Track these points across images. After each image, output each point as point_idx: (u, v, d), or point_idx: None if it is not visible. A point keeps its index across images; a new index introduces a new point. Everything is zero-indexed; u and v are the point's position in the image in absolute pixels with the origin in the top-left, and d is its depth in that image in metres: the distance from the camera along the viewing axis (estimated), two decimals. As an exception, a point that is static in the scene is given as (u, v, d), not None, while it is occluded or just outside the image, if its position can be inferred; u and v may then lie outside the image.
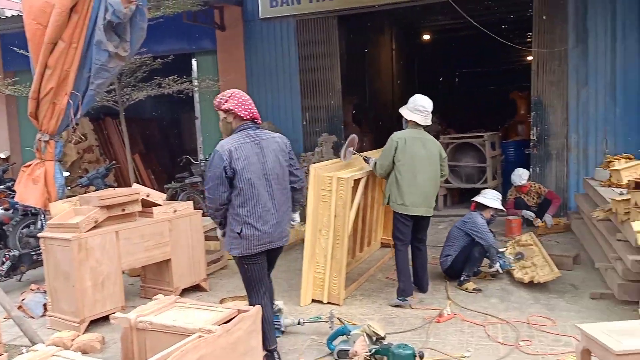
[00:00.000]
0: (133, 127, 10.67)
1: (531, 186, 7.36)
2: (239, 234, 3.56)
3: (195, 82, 8.90)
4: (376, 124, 12.12)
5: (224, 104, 3.64)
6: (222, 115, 3.69)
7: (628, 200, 4.63)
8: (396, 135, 4.90)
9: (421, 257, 5.09)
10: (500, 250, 5.38)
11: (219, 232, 3.82)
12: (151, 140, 11.81)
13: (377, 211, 6.55)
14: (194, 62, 9.74)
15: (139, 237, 4.91)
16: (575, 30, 7.57)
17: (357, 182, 5.11)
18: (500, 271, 5.24)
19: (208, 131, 9.73)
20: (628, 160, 6.16)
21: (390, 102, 13.63)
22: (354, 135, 5.61)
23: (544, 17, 7.75)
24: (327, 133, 8.78)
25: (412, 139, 4.85)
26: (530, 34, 8.15)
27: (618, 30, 7.34)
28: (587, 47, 7.52)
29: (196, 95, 9.64)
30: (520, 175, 7.22)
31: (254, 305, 3.33)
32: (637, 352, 2.54)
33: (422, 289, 5.09)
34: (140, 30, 5.00)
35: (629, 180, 4.58)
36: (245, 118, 3.64)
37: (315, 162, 8.03)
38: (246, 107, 3.64)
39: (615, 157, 6.75)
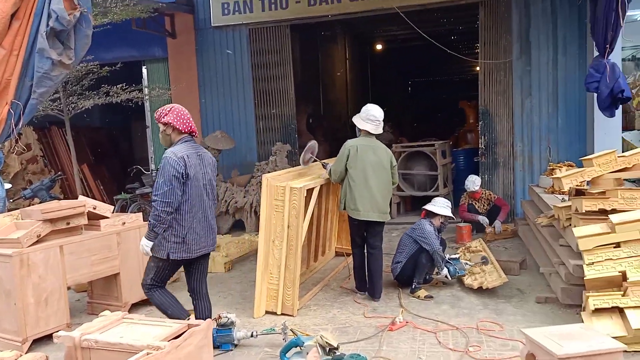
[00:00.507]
0: (81, 137, 10.34)
1: (482, 193, 7.57)
2: (183, 238, 3.80)
3: (146, 91, 8.72)
4: (331, 133, 12.20)
5: (163, 117, 3.87)
6: (162, 127, 3.93)
7: (569, 206, 4.82)
8: (349, 143, 5.11)
9: (374, 263, 5.19)
10: (454, 256, 5.49)
11: (145, 243, 3.81)
12: (100, 149, 11.46)
13: (331, 220, 6.58)
14: (144, 70, 9.55)
15: (85, 251, 4.74)
16: (519, 42, 7.87)
17: (310, 191, 5.12)
18: (450, 278, 5.34)
19: (159, 140, 9.53)
20: (569, 168, 6.42)
21: (345, 111, 13.77)
22: (314, 142, 5.83)
23: (490, 30, 8.02)
24: (281, 142, 8.77)
25: (364, 147, 5.06)
26: (478, 45, 8.42)
27: (559, 42, 7.68)
28: (531, 58, 7.82)
29: (147, 104, 9.45)
30: (474, 182, 7.43)
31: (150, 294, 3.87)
32: (579, 356, 2.63)
33: (374, 295, 5.17)
34: (85, 38, 4.85)
35: (570, 188, 4.76)
36: (183, 131, 3.90)
37: (269, 172, 8.03)
38: (185, 121, 3.88)
39: (558, 164, 7.04)
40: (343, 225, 6.77)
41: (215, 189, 4.08)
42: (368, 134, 5.12)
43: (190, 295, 4.18)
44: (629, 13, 10.13)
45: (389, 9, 8.27)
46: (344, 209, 5.12)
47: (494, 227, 7.18)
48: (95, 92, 7.64)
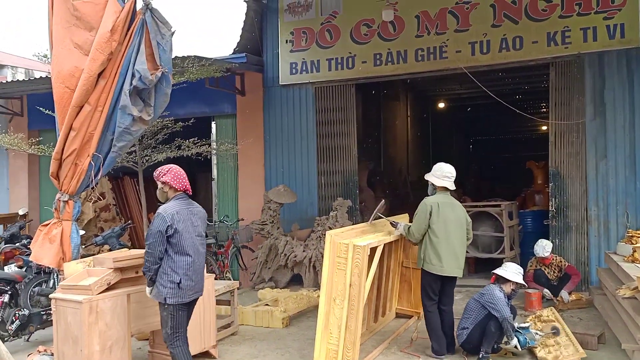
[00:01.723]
0: (150, 187, 10.77)
1: (553, 259, 7.19)
2: (178, 284, 4.14)
3: (214, 145, 9.04)
4: (390, 189, 12.12)
5: (162, 177, 4.31)
6: (160, 185, 4.35)
7: (656, 278, 4.47)
8: (429, 200, 5.25)
9: (449, 319, 5.31)
10: (524, 325, 5.18)
11: (148, 290, 4.29)
12: (167, 199, 11.85)
13: (392, 280, 6.41)
14: (213, 125, 9.95)
15: (150, 300, 4.81)
16: (592, 103, 7.64)
17: (373, 250, 5.03)
18: (520, 349, 5.01)
19: (224, 193, 9.80)
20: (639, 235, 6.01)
21: (405, 167, 13.70)
22: (383, 201, 6.01)
23: (561, 90, 7.85)
24: (342, 197, 8.77)
25: (444, 204, 5.23)
26: (544, 104, 8.24)
27: (636, 103, 7.39)
28: (605, 120, 7.55)
29: (214, 157, 9.78)
30: (544, 247, 7.08)
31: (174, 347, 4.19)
32: None
33: (450, 348, 5.25)
34: (164, 96, 5.11)
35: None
36: (178, 189, 4.31)
37: (329, 227, 8.01)
38: (180, 180, 4.31)
39: (638, 231, 6.61)
40: (404, 285, 6.59)
41: (204, 240, 4.45)
42: (444, 190, 5.29)
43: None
44: None
45: (455, 69, 8.32)
46: (422, 265, 5.21)
47: (561, 296, 6.76)
48: (168, 146, 7.99)
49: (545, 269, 7.16)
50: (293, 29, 9.32)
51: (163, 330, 4.28)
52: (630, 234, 6.67)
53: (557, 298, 6.79)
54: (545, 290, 6.95)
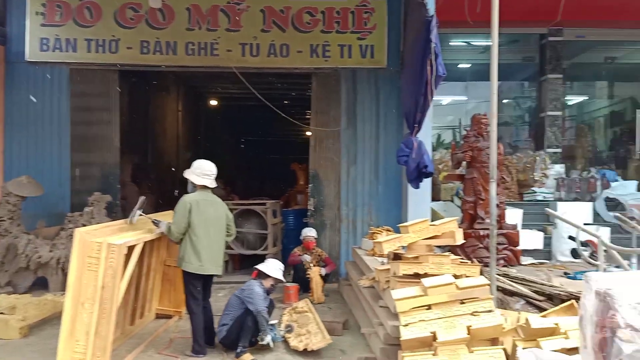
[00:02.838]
0: None
1: (316, 246, 7.78)
2: None
3: None
4: (158, 185, 11.62)
5: None
6: None
7: (388, 269, 5.12)
8: (188, 198, 5.14)
9: (207, 313, 5.31)
10: (272, 322, 5.40)
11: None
12: None
13: (153, 280, 6.10)
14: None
15: None
16: (346, 114, 8.50)
17: (131, 248, 4.70)
18: (272, 345, 5.23)
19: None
20: (389, 233, 6.89)
21: (175, 163, 13.31)
22: (144, 197, 5.66)
23: (321, 99, 8.54)
24: (101, 192, 8.04)
25: (204, 202, 5.15)
26: (309, 111, 8.88)
27: (381, 118, 8.47)
28: (356, 129, 8.48)
29: None
30: (311, 229, 7.85)
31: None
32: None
33: (210, 341, 5.28)
34: None
35: (389, 252, 5.07)
36: None
37: (84, 224, 7.24)
38: None
39: (378, 229, 7.53)
40: (166, 284, 6.34)
41: None
42: (205, 188, 5.22)
43: None
44: (438, 98, 11.61)
45: (226, 68, 8.36)
46: (182, 265, 5.07)
47: (321, 271, 7.40)
48: None
49: (307, 254, 7.68)
50: (45, 1, 8.22)
51: None
52: (372, 231, 7.55)
53: (314, 270, 7.35)
54: (306, 255, 7.58)
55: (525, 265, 7.61)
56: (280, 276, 5.47)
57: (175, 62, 8.38)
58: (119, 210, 8.41)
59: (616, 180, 9.75)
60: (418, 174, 6.84)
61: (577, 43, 10.49)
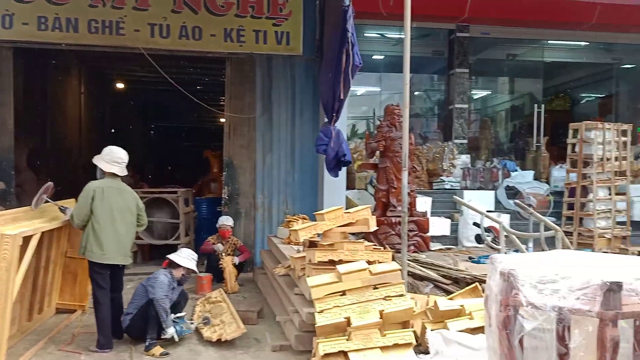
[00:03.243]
0: None
1: (231, 235, 7.63)
2: None
3: None
4: (58, 172, 10.84)
5: None
6: None
7: (304, 257, 5.13)
8: (93, 185, 4.92)
9: (116, 305, 5.13)
10: (180, 315, 5.23)
11: None
12: None
13: (53, 272, 5.69)
14: None
15: None
16: (262, 101, 8.37)
17: (27, 239, 4.35)
18: (177, 338, 5.06)
19: None
20: (304, 220, 6.92)
21: (77, 149, 12.50)
22: (50, 183, 5.32)
23: (236, 85, 8.35)
24: (-7, 179, 7.40)
25: (110, 189, 4.93)
26: (223, 97, 8.66)
27: (297, 106, 8.42)
28: (272, 117, 8.38)
29: None
30: (228, 218, 7.65)
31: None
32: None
33: (118, 334, 5.05)
34: None
35: (304, 240, 5.08)
36: None
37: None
38: None
39: (294, 217, 7.54)
40: (68, 277, 5.95)
41: None
42: (113, 176, 5.01)
43: None
44: (354, 88, 11.76)
45: (134, 49, 7.93)
46: (84, 253, 4.86)
47: (234, 260, 7.29)
48: None
49: (222, 243, 7.52)
50: None
51: None
52: (288, 219, 7.56)
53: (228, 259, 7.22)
54: (218, 244, 7.43)
55: (434, 250, 7.95)
56: (191, 266, 5.31)
57: (76, 40, 7.82)
58: (13, 199, 7.77)
59: (516, 170, 10.44)
60: (337, 163, 6.92)
61: (482, 40, 11.06)
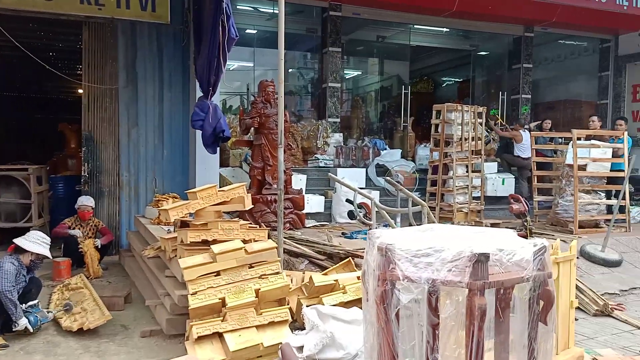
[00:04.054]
0: None
1: (92, 216, 7.03)
2: None
3: None
4: None
5: None
6: None
7: (175, 238, 4.87)
8: None
9: None
10: (32, 303, 4.74)
11: None
12: None
13: None
14: None
15: None
16: (125, 71, 7.76)
17: None
18: (32, 329, 4.59)
19: None
20: (175, 199, 6.58)
21: None
22: None
23: (95, 53, 7.64)
24: None
25: None
26: (80, 65, 7.91)
27: (165, 78, 7.94)
28: (137, 89, 7.81)
29: None
30: (89, 198, 7.07)
31: None
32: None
33: None
34: None
35: (175, 220, 4.82)
36: None
37: None
38: None
39: (164, 196, 7.14)
40: None
41: None
42: None
43: None
44: (229, 63, 11.34)
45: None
46: None
47: (96, 242, 6.75)
48: None
49: (82, 228, 6.91)
50: None
51: None
52: (157, 198, 7.15)
53: (87, 245, 6.67)
54: (75, 229, 6.84)
55: (309, 227, 8.04)
56: (41, 250, 4.79)
57: None
58: None
59: (385, 149, 10.90)
60: (215, 139, 6.68)
61: (354, 20, 11.27)
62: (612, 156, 8.56)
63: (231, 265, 4.39)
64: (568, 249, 4.12)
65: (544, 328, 2.36)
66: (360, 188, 8.28)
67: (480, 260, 2.06)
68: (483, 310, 2.05)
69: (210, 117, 6.36)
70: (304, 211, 8.04)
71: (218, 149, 7.11)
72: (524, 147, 10.14)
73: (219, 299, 4.22)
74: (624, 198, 7.99)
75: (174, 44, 7.88)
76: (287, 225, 7.50)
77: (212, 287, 4.30)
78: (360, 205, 7.70)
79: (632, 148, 9.66)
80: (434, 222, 4.88)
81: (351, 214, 8.17)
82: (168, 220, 4.87)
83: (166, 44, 7.88)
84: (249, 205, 5.06)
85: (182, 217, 4.80)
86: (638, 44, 12.27)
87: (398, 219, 7.58)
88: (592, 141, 8.70)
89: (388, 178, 7.94)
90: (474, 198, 9.22)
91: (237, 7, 10.89)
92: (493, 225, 8.36)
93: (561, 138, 10.05)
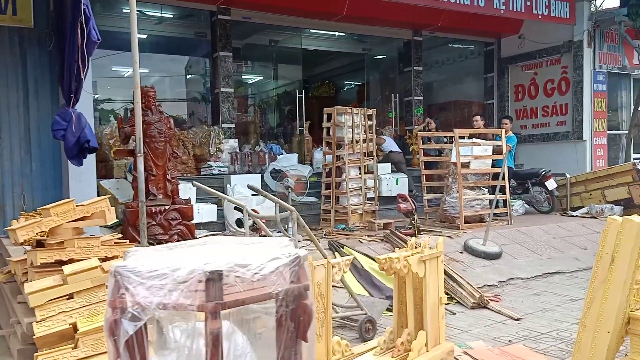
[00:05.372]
0: None
1: None
2: None
3: None
4: None
5: None
6: None
7: (26, 260, 4.44)
8: None
9: None
10: None
11: None
12: None
13: None
14: None
15: None
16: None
17: None
18: None
19: None
20: (33, 217, 6.05)
21: None
22: None
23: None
24: None
25: None
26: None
27: (30, 85, 7.33)
28: None
29: None
30: None
31: None
32: None
33: None
34: None
35: (26, 240, 4.38)
36: None
37: None
38: None
39: (30, 214, 6.56)
40: None
41: None
42: None
43: None
44: (119, 69, 10.94)
45: None
46: None
47: None
48: None
49: None
50: None
51: None
52: (24, 216, 6.55)
53: None
54: None
55: (199, 238, 7.74)
56: None
57: None
58: None
59: (282, 154, 10.80)
60: (80, 150, 6.24)
61: (247, 24, 11.10)
62: (493, 153, 8.98)
63: (86, 287, 4.05)
64: (436, 246, 4.17)
65: (304, 345, 2.17)
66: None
67: (213, 279, 1.86)
68: (215, 334, 1.86)
69: (74, 126, 5.93)
70: (194, 221, 7.73)
71: (90, 159, 6.67)
72: (391, 143, 10.91)
73: (69, 324, 3.87)
74: (502, 192, 8.40)
75: (39, 49, 7.30)
76: (176, 237, 7.15)
77: (64, 311, 3.94)
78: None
79: (516, 145, 10.24)
80: (304, 227, 4.78)
81: (240, 222, 7.98)
82: (17, 241, 4.43)
83: (30, 50, 7.28)
84: (112, 219, 4.72)
85: (37, 236, 4.39)
86: (518, 46, 13.08)
87: (289, 225, 7.46)
88: (474, 139, 9.09)
89: (250, 184, 7.80)
90: (369, 199, 9.33)
91: (123, 10, 10.37)
92: (385, 225, 8.49)
93: (445, 137, 10.44)
